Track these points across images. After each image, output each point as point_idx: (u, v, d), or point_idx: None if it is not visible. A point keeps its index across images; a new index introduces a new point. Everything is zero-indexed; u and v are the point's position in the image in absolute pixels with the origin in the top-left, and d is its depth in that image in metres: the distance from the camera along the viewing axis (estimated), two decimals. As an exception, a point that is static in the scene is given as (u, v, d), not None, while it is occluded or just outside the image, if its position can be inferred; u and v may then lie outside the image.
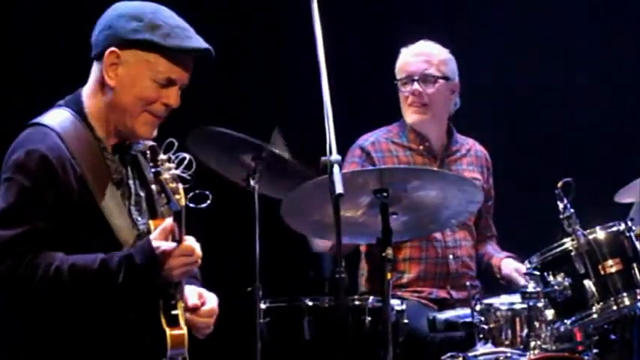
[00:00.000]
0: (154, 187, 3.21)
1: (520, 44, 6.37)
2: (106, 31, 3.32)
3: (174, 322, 3.26)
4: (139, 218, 3.38)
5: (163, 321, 3.25)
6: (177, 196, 3.19)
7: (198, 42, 3.35)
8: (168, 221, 3.22)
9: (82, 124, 3.33)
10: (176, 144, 3.23)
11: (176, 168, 3.22)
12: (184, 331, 3.28)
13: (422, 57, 5.22)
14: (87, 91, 3.38)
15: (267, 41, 6.43)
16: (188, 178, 3.24)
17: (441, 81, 5.20)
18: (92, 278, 3.18)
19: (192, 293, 3.40)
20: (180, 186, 3.22)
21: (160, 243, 3.20)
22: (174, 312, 3.27)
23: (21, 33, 5.70)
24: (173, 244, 3.20)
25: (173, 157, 3.23)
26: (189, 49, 3.33)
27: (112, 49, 3.30)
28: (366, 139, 5.27)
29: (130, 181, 3.41)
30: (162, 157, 3.22)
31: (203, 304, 3.40)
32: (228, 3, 6.27)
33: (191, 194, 3.27)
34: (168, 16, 3.35)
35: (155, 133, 3.39)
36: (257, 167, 4.76)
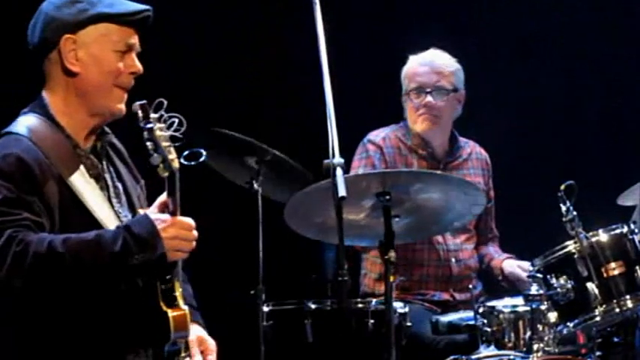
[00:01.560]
0: (148, 144, 3.15)
1: (521, 46, 6.38)
2: (51, 24, 3.34)
3: (173, 304, 3.23)
4: (121, 210, 3.38)
5: (162, 304, 3.22)
6: (171, 157, 3.15)
7: (139, 5, 3.41)
8: (161, 196, 3.22)
9: (51, 125, 3.33)
10: (165, 103, 3.18)
11: (167, 128, 3.18)
12: (185, 311, 3.25)
13: (433, 68, 5.21)
14: (48, 91, 3.39)
15: (270, 43, 6.43)
16: (180, 136, 3.19)
17: (452, 94, 5.20)
18: (87, 248, 3.14)
19: (194, 339, 3.39)
20: (173, 147, 3.17)
21: (157, 215, 3.20)
22: (172, 294, 3.24)
23: (22, 35, 5.70)
24: (168, 215, 3.19)
25: (165, 116, 3.18)
26: (136, 11, 3.38)
27: (67, 36, 3.32)
28: (377, 135, 5.28)
29: (107, 175, 3.41)
30: (153, 115, 3.17)
31: (203, 352, 3.41)
32: (232, 4, 6.28)
33: (185, 153, 3.25)
34: None
35: (124, 107, 3.38)
36: (260, 170, 4.77)
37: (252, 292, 4.67)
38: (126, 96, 3.38)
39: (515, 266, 5.13)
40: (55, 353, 3.23)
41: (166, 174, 3.16)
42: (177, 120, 3.18)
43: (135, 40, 3.38)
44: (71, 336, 3.23)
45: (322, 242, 5.16)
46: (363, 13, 6.56)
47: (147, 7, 3.40)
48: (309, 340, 4.62)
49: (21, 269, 3.12)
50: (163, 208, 3.22)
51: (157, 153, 3.14)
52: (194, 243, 3.26)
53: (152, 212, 3.23)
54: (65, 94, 3.36)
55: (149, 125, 3.14)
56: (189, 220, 3.24)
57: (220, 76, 6.26)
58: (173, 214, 3.19)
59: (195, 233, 3.25)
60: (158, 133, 3.14)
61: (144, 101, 3.21)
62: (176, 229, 3.19)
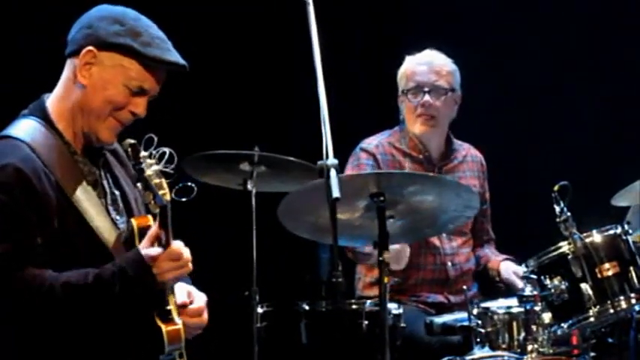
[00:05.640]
0: (139, 184, 3.19)
1: (518, 47, 6.38)
2: (85, 30, 3.32)
3: (168, 318, 3.27)
4: (118, 217, 3.38)
5: (157, 319, 3.25)
6: (162, 191, 3.18)
7: (177, 56, 3.37)
8: (153, 228, 3.23)
9: (50, 131, 3.32)
10: (156, 139, 3.22)
11: (157, 163, 3.21)
12: (179, 325, 3.28)
13: (431, 67, 5.20)
14: (55, 94, 3.38)
15: (270, 44, 6.44)
16: (171, 172, 3.23)
17: (449, 93, 5.20)
18: (87, 294, 3.18)
19: (182, 291, 3.40)
20: (164, 181, 3.21)
21: (147, 250, 3.21)
22: (166, 307, 3.27)
23: (23, 38, 5.71)
24: (160, 250, 3.21)
25: (154, 153, 3.22)
26: (167, 62, 3.34)
27: (90, 48, 3.30)
28: (370, 143, 5.27)
29: (104, 182, 3.41)
30: (143, 153, 3.21)
31: (191, 302, 3.40)
32: (231, 9, 6.28)
33: (176, 187, 3.27)
34: (149, 25, 3.37)
35: (115, 139, 3.39)
36: (254, 170, 4.78)
37: (246, 293, 4.67)
38: (120, 128, 3.37)
39: (511, 273, 5.11)
40: None
41: (157, 210, 3.19)
42: (167, 154, 3.21)
43: (152, 86, 3.35)
44: (64, 350, 3.23)
45: (316, 243, 5.17)
46: (359, 14, 6.57)
47: (181, 62, 3.36)
48: (304, 341, 4.62)
49: (20, 309, 3.17)
50: (155, 241, 3.23)
51: (147, 191, 3.18)
52: (190, 265, 3.28)
53: (144, 247, 3.23)
54: (69, 101, 3.35)
55: (139, 166, 3.19)
56: (180, 247, 3.25)
57: (216, 76, 6.26)
58: (166, 246, 3.21)
59: (187, 256, 3.27)
60: (148, 172, 3.19)
61: (134, 140, 3.24)
62: (168, 262, 3.21)
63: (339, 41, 5.98)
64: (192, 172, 4.63)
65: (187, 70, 3.38)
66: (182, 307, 3.36)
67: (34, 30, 5.69)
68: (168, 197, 3.19)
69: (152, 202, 3.18)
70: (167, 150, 3.23)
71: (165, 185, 3.21)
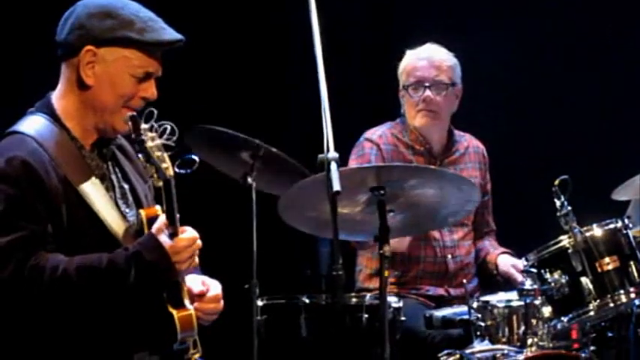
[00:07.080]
0: (140, 156, 3.18)
1: (519, 42, 6.38)
2: (78, 30, 3.31)
3: (179, 304, 3.26)
4: (127, 210, 3.38)
5: (168, 305, 3.25)
6: (165, 165, 3.17)
7: (173, 33, 3.37)
8: (162, 218, 3.22)
9: (57, 127, 3.32)
10: (156, 112, 3.21)
11: (159, 137, 3.20)
12: (191, 311, 3.27)
13: (432, 62, 5.19)
14: (58, 93, 3.38)
15: (269, 38, 6.43)
16: (173, 145, 3.22)
17: (450, 88, 5.20)
18: (102, 278, 3.18)
19: (196, 281, 3.41)
20: (166, 155, 3.19)
21: (164, 238, 3.21)
22: (178, 295, 3.26)
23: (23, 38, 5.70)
24: (169, 241, 3.21)
25: (156, 126, 3.21)
26: (167, 42, 3.35)
27: (89, 47, 3.29)
28: (373, 133, 5.27)
29: (113, 176, 3.41)
30: (144, 126, 3.20)
31: (208, 290, 3.41)
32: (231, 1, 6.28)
33: (178, 161, 3.26)
34: (137, 9, 3.36)
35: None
36: (254, 164, 4.77)
37: (246, 286, 4.67)
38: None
39: (509, 265, 5.11)
40: (60, 355, 3.23)
41: (160, 183, 3.18)
42: (169, 128, 3.20)
43: (156, 68, 3.35)
44: (77, 337, 3.23)
45: (316, 237, 5.16)
46: (361, 6, 6.56)
47: (178, 37, 3.36)
48: (303, 335, 4.62)
49: (34, 295, 3.15)
50: (164, 230, 3.23)
51: (149, 164, 3.16)
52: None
53: (157, 233, 3.22)
54: (75, 101, 3.35)
55: (140, 138, 3.17)
56: (190, 235, 3.25)
57: (214, 70, 6.26)
58: (174, 234, 3.21)
59: (199, 242, 3.27)
60: (149, 144, 3.17)
61: (134, 113, 3.24)
62: (181, 252, 3.22)
63: (340, 36, 5.97)
64: (194, 147, 4.58)
65: (182, 43, 3.36)
66: (200, 297, 3.36)
67: (34, 30, 5.68)
68: (171, 171, 3.18)
69: (155, 175, 3.16)
70: (169, 124, 3.21)
71: (167, 159, 3.19)
